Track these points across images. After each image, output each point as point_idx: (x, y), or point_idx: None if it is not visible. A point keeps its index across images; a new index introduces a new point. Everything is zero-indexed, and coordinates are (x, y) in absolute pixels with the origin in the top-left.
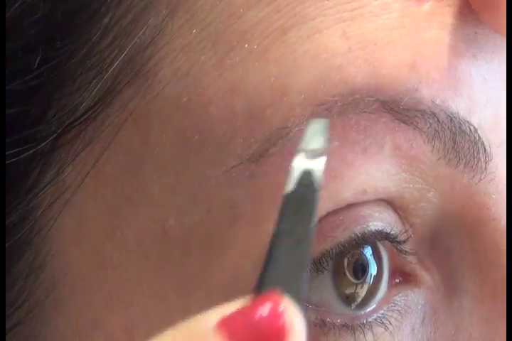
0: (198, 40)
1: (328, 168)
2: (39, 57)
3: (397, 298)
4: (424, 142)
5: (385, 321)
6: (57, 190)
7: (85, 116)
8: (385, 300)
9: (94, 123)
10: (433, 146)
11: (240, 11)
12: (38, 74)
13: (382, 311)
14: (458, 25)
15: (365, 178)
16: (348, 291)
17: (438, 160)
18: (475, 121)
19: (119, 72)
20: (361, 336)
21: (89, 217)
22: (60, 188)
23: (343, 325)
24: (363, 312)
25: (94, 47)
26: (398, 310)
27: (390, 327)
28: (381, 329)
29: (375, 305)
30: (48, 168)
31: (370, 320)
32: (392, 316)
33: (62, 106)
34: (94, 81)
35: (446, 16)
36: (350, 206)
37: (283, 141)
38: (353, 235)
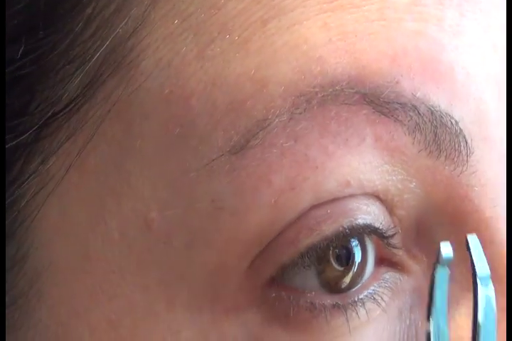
0: (180, 31)
1: (309, 159)
2: (22, 48)
3: (386, 275)
4: (405, 134)
5: (377, 297)
6: (41, 180)
7: (68, 108)
8: (374, 277)
9: (78, 115)
10: (414, 138)
11: (220, 2)
12: (21, 64)
13: (372, 287)
14: (441, 16)
15: (347, 170)
16: (332, 278)
17: (419, 152)
18: (456, 114)
19: (101, 63)
20: (353, 314)
21: (73, 208)
22: (43, 179)
23: (334, 305)
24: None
25: (77, 38)
26: (389, 287)
27: (383, 304)
28: (374, 305)
29: (362, 282)
30: (32, 159)
31: (361, 296)
32: (383, 293)
33: (45, 98)
34: (77, 72)
35: (429, 8)
36: (337, 199)
37: (263, 133)
38: (340, 228)
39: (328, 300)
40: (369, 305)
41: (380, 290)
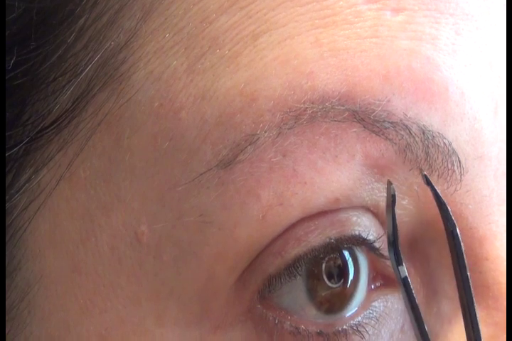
0: (171, 45)
1: (298, 174)
2: (14, 59)
3: (375, 303)
4: (396, 153)
5: (361, 329)
6: (31, 193)
7: (59, 121)
8: (363, 306)
9: (68, 127)
10: (405, 157)
11: (212, 16)
12: (12, 76)
13: (358, 318)
14: (435, 35)
15: (337, 186)
16: (323, 295)
17: (410, 170)
18: (450, 134)
19: (92, 75)
20: None
21: (63, 221)
22: (34, 191)
23: (318, 333)
24: (338, 318)
25: (69, 50)
26: (376, 318)
27: (367, 336)
28: (357, 338)
29: (351, 312)
30: (22, 172)
31: (345, 327)
32: (368, 324)
33: (36, 110)
34: (69, 84)
35: (424, 26)
36: (325, 211)
37: (252, 148)
38: (328, 240)
39: (314, 326)
40: (353, 337)
41: (366, 321)
